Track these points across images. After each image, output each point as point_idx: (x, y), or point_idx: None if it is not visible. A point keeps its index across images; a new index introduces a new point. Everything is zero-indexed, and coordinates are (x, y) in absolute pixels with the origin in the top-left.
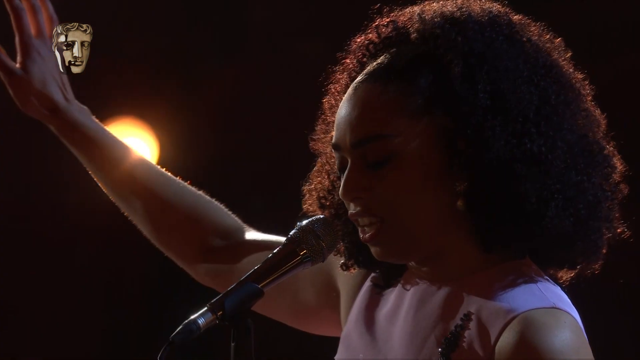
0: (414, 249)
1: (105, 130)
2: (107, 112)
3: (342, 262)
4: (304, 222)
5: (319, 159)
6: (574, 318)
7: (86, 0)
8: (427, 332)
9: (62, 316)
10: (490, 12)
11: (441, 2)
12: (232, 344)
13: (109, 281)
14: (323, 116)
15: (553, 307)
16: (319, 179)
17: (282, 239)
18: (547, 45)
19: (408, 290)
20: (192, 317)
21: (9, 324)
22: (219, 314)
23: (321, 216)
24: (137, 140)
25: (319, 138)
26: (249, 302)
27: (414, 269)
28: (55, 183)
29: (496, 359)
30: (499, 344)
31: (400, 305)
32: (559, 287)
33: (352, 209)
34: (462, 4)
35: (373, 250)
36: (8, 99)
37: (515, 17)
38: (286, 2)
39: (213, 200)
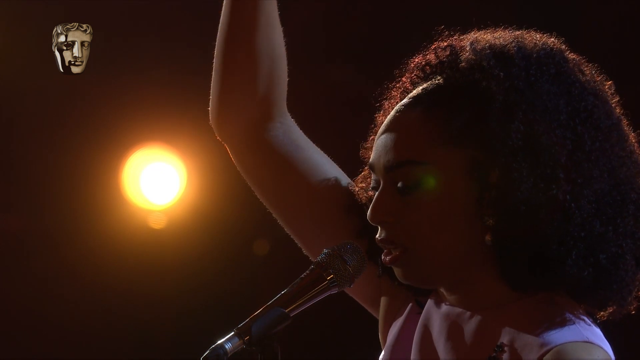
0: (436, 277)
1: None
2: (135, 137)
3: (377, 274)
4: (331, 247)
5: (373, 175)
6: (607, 352)
7: (113, 26)
8: None
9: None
10: (543, 48)
11: (497, 33)
12: None
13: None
14: (375, 129)
15: (586, 342)
16: (362, 185)
17: (329, 162)
18: (597, 87)
19: (437, 314)
20: (219, 341)
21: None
22: (245, 338)
23: (348, 241)
24: (165, 166)
25: (368, 147)
26: (276, 327)
27: (442, 293)
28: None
29: None
30: None
31: (430, 329)
32: (593, 322)
33: (378, 233)
34: (516, 37)
35: (395, 271)
36: None
37: (570, 55)
38: (313, 26)
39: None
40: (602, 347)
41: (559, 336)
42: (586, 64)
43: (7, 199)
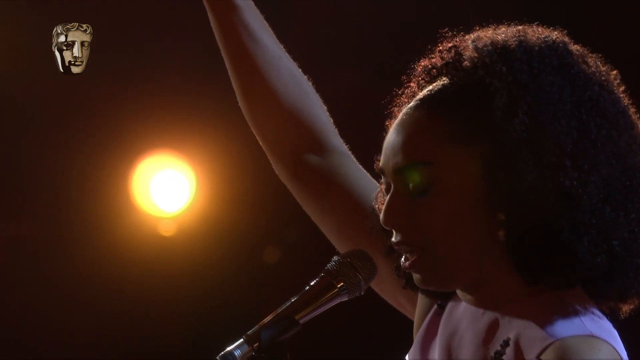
0: (454, 277)
1: None
2: (144, 144)
3: (402, 285)
4: (341, 254)
5: (384, 179)
6: (613, 348)
7: (123, 32)
8: (468, 357)
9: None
10: (545, 41)
11: (499, 29)
12: None
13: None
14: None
15: (590, 335)
16: (382, 199)
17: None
18: (602, 77)
19: (457, 314)
20: (228, 348)
21: None
22: (255, 345)
23: (358, 249)
24: (175, 173)
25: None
26: (285, 334)
27: (460, 294)
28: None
29: None
30: None
31: (449, 329)
32: (606, 319)
33: (394, 237)
34: (518, 32)
35: (414, 277)
36: None
37: (573, 46)
38: (323, 33)
39: (326, 111)
40: (608, 342)
41: (561, 330)
42: (590, 54)
43: (17, 206)
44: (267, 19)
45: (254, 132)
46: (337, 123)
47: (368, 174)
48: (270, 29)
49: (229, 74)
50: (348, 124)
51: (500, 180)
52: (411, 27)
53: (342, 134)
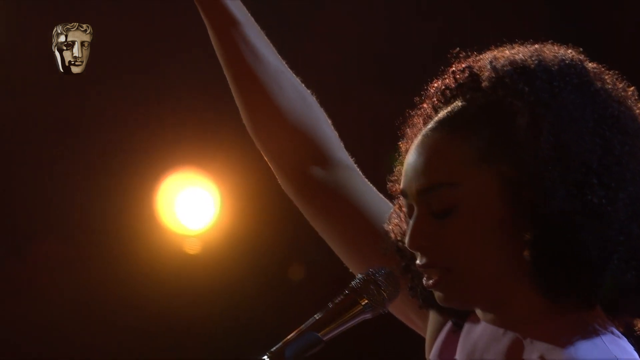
0: (478, 297)
1: (244, 10)
2: (169, 162)
3: (418, 305)
4: (365, 272)
5: (397, 201)
6: None
7: (146, 51)
8: None
9: None
10: (563, 59)
11: (515, 49)
12: None
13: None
14: (400, 159)
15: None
16: (396, 221)
17: (387, 202)
18: (620, 94)
19: (475, 333)
20: None
21: None
22: None
23: (382, 266)
24: (200, 190)
25: (396, 180)
26: (309, 351)
27: (479, 313)
28: None
29: None
30: None
31: (466, 348)
32: (625, 339)
33: (419, 259)
34: (535, 51)
35: (436, 295)
36: None
37: (590, 64)
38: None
39: (331, 125)
40: None
41: (586, 353)
42: (607, 71)
43: (43, 225)
44: (285, 34)
45: (259, 147)
46: (355, 137)
47: (374, 188)
48: (270, 44)
49: (232, 90)
50: (368, 138)
51: (526, 200)
52: (428, 46)
53: (361, 148)
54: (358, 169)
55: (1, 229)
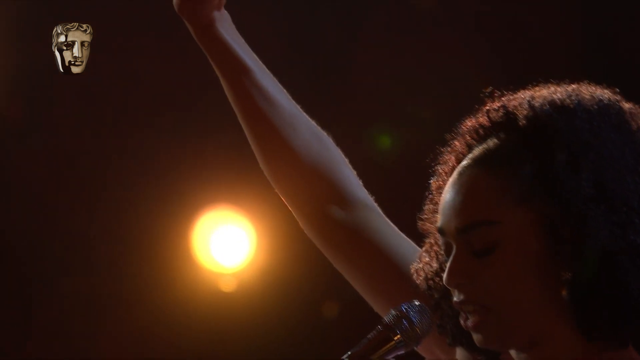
0: (517, 337)
1: (249, 53)
2: (204, 200)
3: (447, 342)
4: (398, 307)
5: (428, 239)
6: None
7: (180, 90)
8: None
9: None
10: (601, 100)
11: (552, 89)
12: None
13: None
14: (431, 196)
15: None
16: (427, 259)
17: (408, 241)
18: None
19: None
20: None
21: None
22: None
23: (416, 302)
24: (235, 228)
25: (427, 218)
26: None
27: (513, 353)
28: None
29: None
30: None
31: None
32: None
33: (456, 296)
34: (573, 91)
35: (475, 337)
36: None
37: (626, 105)
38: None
39: (349, 164)
40: None
41: None
42: None
43: (80, 262)
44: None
45: (277, 191)
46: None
47: (395, 227)
48: (283, 88)
49: (247, 136)
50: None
51: (566, 238)
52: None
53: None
54: (378, 208)
55: (38, 268)
